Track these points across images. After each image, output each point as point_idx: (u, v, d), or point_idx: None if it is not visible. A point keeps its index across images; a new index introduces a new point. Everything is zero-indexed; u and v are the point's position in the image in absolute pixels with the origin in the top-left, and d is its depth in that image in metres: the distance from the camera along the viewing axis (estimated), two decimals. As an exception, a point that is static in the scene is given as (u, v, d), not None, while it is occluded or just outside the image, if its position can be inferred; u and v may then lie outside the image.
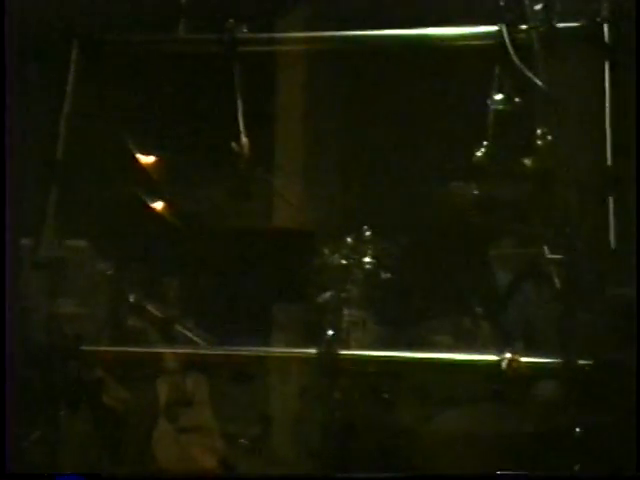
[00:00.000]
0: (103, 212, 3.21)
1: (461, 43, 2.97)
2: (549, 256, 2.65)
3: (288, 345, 3.01)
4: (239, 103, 3.06)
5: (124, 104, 3.27)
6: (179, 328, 3.08)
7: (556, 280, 2.58)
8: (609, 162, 2.73)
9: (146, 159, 3.23)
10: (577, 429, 2.44)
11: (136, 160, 3.23)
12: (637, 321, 2.38)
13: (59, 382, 2.84)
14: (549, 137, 2.68)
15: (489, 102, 2.87)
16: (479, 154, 2.92)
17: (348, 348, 2.82)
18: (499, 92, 2.86)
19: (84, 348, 2.90)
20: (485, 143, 2.90)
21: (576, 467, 2.41)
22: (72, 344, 2.85)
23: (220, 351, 3.01)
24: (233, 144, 3.10)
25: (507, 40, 2.73)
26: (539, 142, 2.71)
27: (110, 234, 3.16)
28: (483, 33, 2.90)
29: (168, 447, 2.95)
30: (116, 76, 3.23)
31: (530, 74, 2.60)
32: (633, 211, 2.62)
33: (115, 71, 3.21)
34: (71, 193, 3.09)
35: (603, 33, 2.80)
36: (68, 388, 2.86)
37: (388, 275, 3.01)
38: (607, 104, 2.75)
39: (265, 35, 3.13)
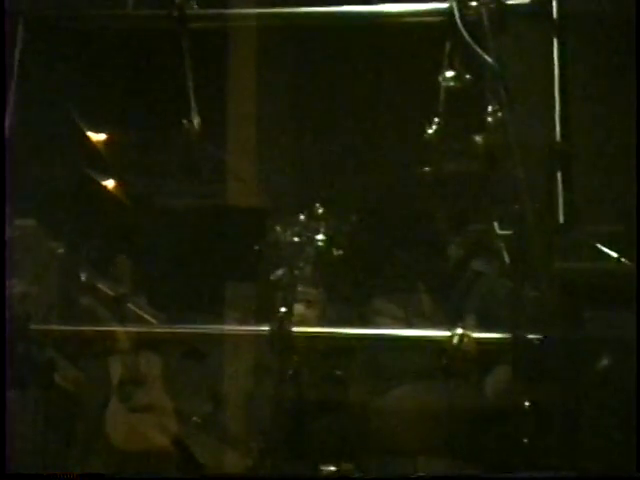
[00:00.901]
0: (53, 191, 3.18)
1: (412, 20, 2.97)
2: (499, 232, 2.67)
3: (241, 323, 3.00)
4: (189, 80, 3.04)
5: (73, 82, 3.24)
6: (131, 306, 3.06)
7: (505, 255, 2.59)
8: (557, 138, 2.75)
9: (96, 137, 3.21)
10: (526, 403, 2.47)
11: (86, 138, 3.20)
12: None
13: (10, 362, 2.82)
14: (499, 114, 2.67)
15: (440, 79, 2.88)
16: (430, 131, 2.92)
17: (300, 325, 2.82)
18: (450, 69, 2.86)
19: (35, 327, 2.87)
20: (436, 120, 2.91)
21: (524, 440, 2.43)
22: (22, 324, 2.83)
23: (172, 329, 3.00)
24: (184, 121, 3.09)
25: (457, 17, 2.72)
26: (490, 119, 2.71)
27: (61, 213, 3.13)
28: (434, 10, 2.90)
29: (121, 426, 2.94)
30: (64, 53, 3.19)
31: (480, 51, 2.60)
32: (580, 186, 2.64)
33: (63, 48, 3.17)
34: (20, 172, 3.05)
35: (552, 9, 2.82)
36: (18, 368, 2.83)
37: (340, 252, 3.01)
38: (556, 80, 2.76)
39: (215, 11, 3.11)
